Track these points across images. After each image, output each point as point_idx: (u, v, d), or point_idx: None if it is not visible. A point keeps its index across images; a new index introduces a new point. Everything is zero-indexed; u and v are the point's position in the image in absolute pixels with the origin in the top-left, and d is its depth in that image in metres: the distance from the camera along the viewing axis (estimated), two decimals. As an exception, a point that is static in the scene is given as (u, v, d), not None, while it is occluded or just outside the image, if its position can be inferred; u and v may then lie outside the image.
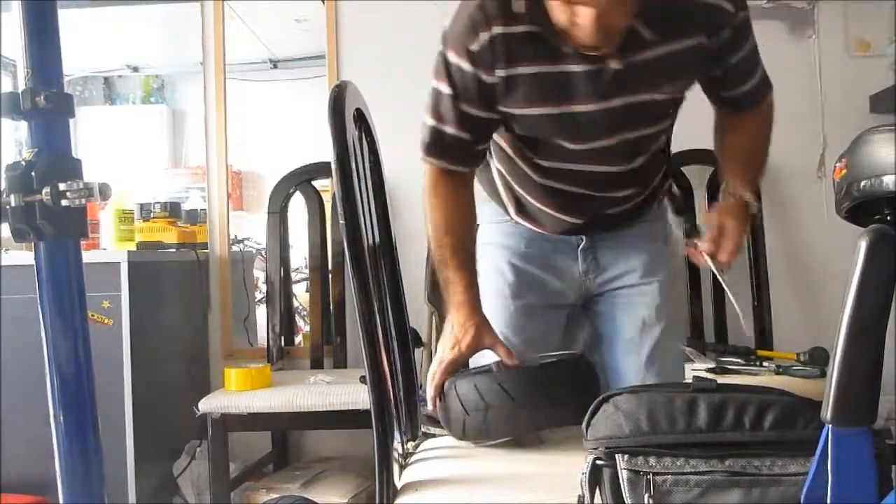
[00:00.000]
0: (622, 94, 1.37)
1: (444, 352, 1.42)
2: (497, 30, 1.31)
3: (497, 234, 1.63)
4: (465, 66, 1.34)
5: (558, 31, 1.28)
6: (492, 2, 1.31)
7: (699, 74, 1.45)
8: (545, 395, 1.29)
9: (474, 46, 1.32)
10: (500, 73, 1.34)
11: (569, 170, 1.49)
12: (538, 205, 1.56)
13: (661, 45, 1.34)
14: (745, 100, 1.51)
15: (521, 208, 1.60)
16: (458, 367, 1.42)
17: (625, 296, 1.57)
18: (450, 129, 1.41)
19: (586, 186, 1.51)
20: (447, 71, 1.37)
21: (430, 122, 1.43)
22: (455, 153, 1.45)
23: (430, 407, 1.40)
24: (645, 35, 1.32)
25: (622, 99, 1.37)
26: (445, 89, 1.38)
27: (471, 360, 1.48)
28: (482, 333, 1.42)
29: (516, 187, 1.58)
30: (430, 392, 1.40)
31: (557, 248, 1.60)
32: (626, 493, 0.92)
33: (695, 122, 1.56)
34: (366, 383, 1.11)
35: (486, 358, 1.45)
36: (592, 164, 1.47)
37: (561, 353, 1.51)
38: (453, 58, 1.35)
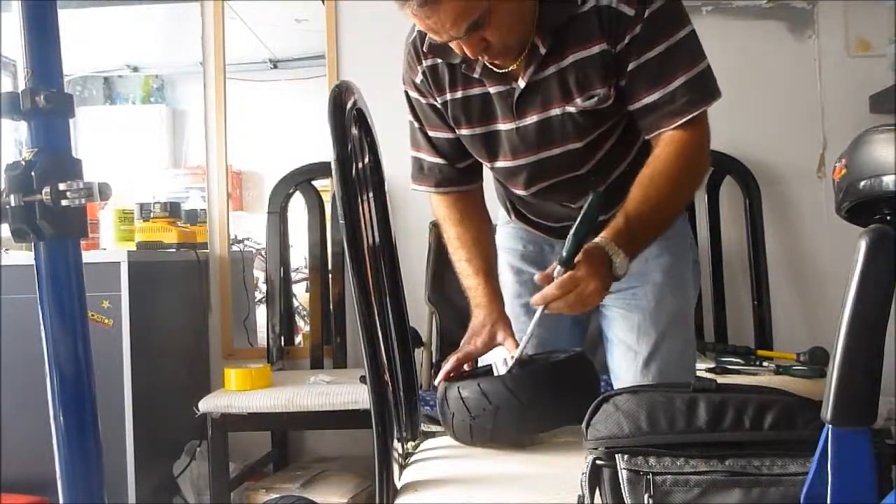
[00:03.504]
0: (534, 111, 1.39)
1: (462, 345, 1.47)
2: (427, 63, 1.45)
3: (503, 237, 1.70)
4: (416, 96, 1.51)
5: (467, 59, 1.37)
6: (418, 40, 1.44)
7: (606, 83, 1.35)
8: (550, 396, 1.29)
9: (417, 79, 1.48)
10: (440, 99, 1.47)
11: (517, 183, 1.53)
12: (522, 210, 1.63)
13: (564, 57, 1.34)
14: (645, 116, 1.34)
15: (517, 212, 1.66)
16: (470, 359, 1.47)
17: (620, 298, 1.56)
18: (425, 156, 1.56)
19: (544, 197, 1.52)
20: (410, 105, 1.53)
21: (412, 152, 1.58)
22: (436, 177, 1.55)
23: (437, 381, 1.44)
24: (543, 50, 1.33)
25: (536, 115, 1.40)
26: (414, 121, 1.54)
27: (480, 359, 1.51)
28: (496, 331, 1.47)
29: (506, 194, 1.64)
30: (439, 379, 1.43)
31: (554, 248, 1.64)
32: (626, 494, 0.92)
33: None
34: (366, 383, 1.12)
35: (489, 360, 1.46)
36: (535, 178, 1.48)
37: (561, 351, 1.51)
38: (410, 92, 1.52)
